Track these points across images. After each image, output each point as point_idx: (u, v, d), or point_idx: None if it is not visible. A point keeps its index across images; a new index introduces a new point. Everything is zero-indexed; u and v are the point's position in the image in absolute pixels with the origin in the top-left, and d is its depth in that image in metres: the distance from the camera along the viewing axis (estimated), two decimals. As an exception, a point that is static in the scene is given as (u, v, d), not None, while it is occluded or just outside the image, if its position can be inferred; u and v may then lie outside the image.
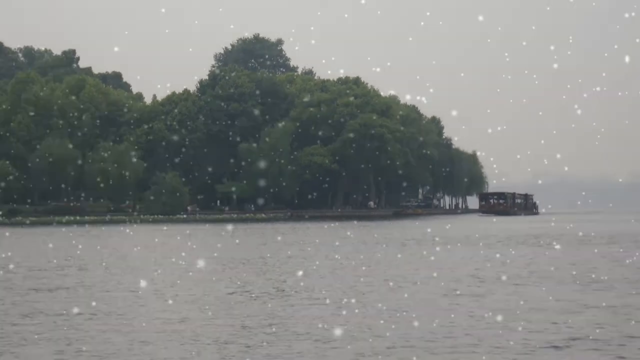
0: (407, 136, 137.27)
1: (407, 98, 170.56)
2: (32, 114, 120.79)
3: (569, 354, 14.19)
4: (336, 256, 36.66)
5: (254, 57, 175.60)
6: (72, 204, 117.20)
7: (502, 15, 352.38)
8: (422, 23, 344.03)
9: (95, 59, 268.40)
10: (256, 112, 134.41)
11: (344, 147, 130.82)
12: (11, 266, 32.66)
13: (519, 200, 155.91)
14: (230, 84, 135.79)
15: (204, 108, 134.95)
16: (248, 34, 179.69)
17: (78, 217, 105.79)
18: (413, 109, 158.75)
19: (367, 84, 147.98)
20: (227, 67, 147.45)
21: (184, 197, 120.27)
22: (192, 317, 18.55)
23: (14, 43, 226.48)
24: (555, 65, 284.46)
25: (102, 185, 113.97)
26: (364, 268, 30.60)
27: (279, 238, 55.23)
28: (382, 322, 17.55)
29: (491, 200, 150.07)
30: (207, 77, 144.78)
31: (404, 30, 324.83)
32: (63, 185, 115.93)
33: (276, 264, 32.49)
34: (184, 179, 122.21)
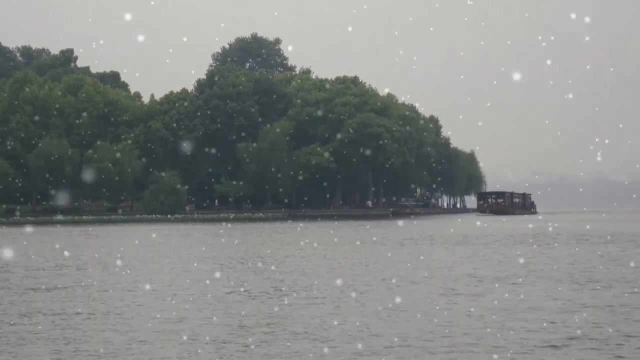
0: (405, 135, 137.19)
1: (405, 97, 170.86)
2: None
3: (567, 354, 14.19)
4: (334, 255, 36.65)
5: (251, 56, 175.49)
6: (75, 204, 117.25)
7: (504, 15, 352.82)
8: (421, 24, 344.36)
9: (93, 59, 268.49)
10: (254, 111, 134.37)
11: (342, 147, 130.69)
12: (8, 265, 32.64)
13: (517, 200, 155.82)
14: (228, 84, 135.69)
15: (202, 107, 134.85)
16: (246, 34, 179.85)
17: (76, 217, 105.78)
18: (411, 108, 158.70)
19: (365, 83, 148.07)
20: (225, 66, 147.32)
21: (182, 197, 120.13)
22: (190, 316, 18.55)
23: (11, 42, 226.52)
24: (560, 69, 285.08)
25: (100, 184, 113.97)
26: (361, 267, 30.60)
27: (277, 237, 55.21)
28: (380, 321, 17.55)
29: (489, 200, 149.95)
30: (205, 77, 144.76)
31: (404, 31, 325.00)
32: (62, 184, 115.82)
33: (274, 263, 32.48)
34: (181, 179, 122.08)
